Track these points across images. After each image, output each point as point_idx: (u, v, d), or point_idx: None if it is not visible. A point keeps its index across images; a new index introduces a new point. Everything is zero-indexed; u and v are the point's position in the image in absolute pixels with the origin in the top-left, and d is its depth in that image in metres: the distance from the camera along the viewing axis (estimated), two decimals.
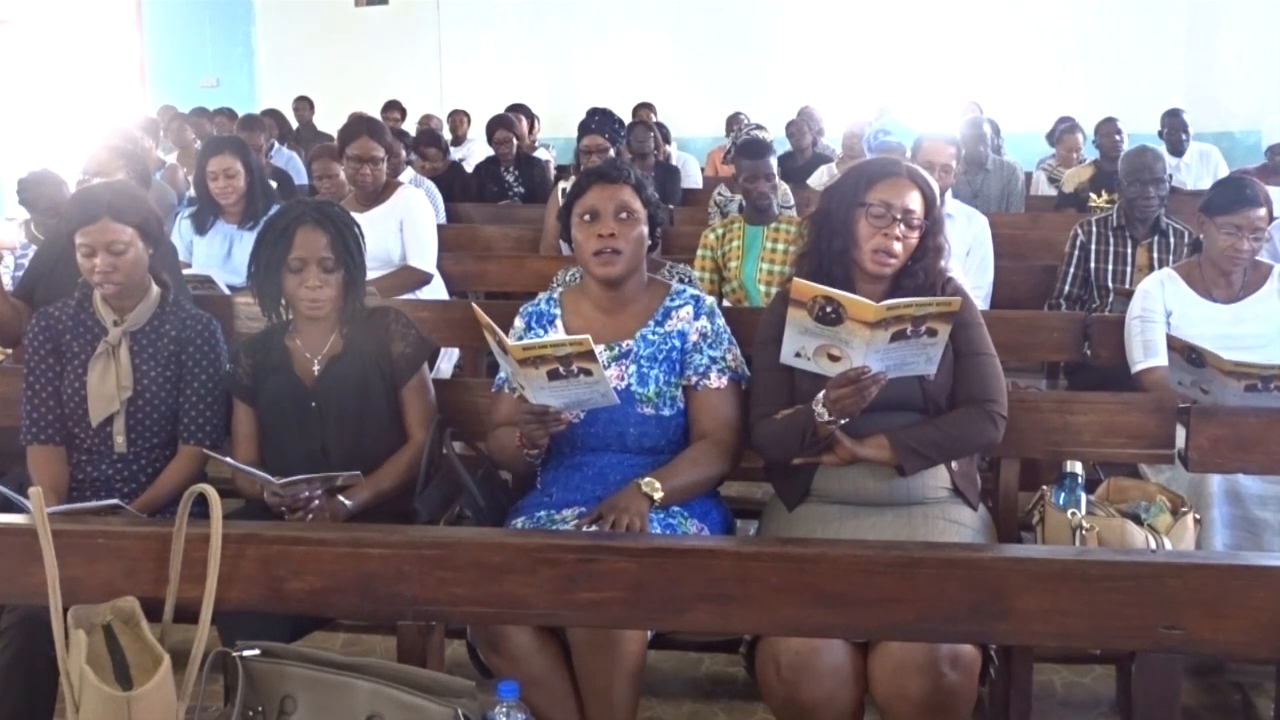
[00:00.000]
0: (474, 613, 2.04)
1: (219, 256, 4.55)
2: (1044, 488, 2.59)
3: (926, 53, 10.68)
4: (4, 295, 3.59)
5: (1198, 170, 7.36)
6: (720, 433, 2.59)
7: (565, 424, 2.45)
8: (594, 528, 2.31)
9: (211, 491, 1.95)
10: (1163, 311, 3.45)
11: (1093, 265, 4.30)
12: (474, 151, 8.90)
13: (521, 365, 2.33)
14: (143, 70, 12.48)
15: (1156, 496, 2.57)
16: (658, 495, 2.41)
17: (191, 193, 5.03)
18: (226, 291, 4.14)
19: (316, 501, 2.51)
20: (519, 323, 2.75)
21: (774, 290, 3.86)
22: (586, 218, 2.62)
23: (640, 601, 1.92)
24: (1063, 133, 7.79)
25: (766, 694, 2.26)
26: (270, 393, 2.76)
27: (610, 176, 2.65)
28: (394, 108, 9.83)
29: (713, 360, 2.62)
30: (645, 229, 2.64)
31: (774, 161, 4.64)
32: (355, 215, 2.93)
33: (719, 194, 5.93)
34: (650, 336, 2.64)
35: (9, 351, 3.79)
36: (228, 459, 2.67)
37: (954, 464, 2.52)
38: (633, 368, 2.60)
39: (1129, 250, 4.29)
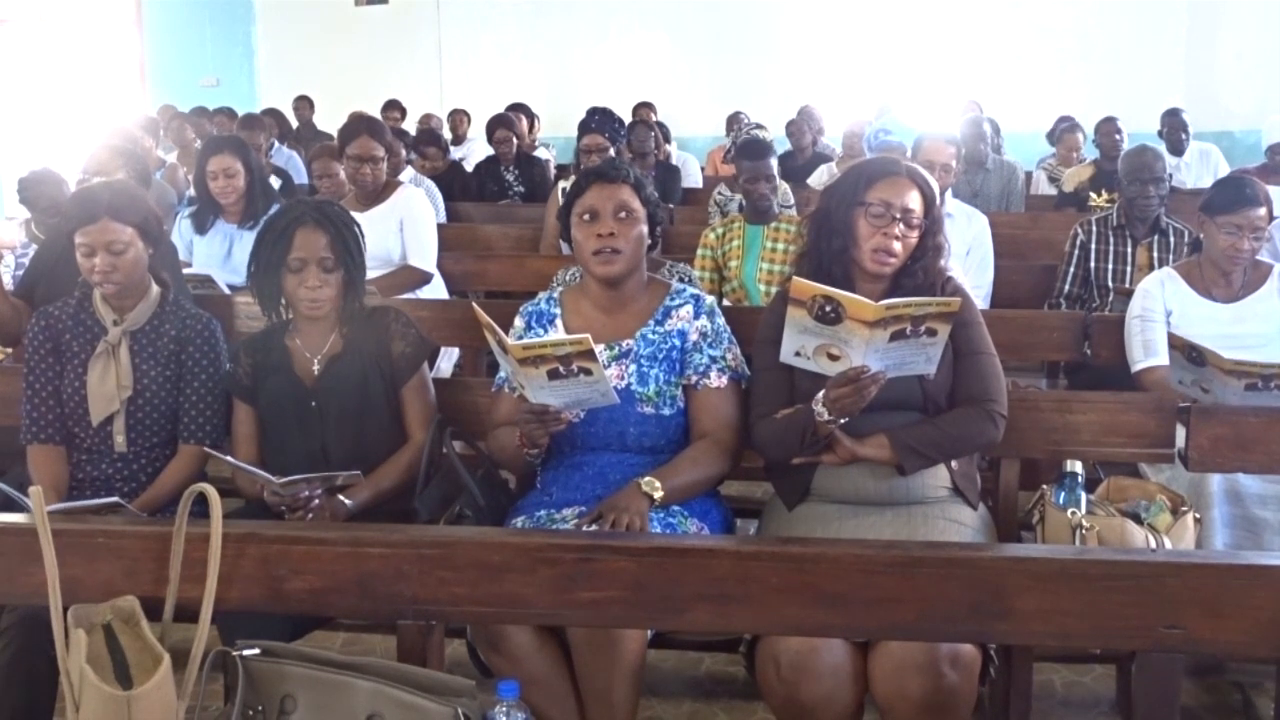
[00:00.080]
0: (474, 612, 2.04)
1: (219, 256, 4.55)
2: (1044, 487, 2.59)
3: (926, 53, 10.68)
4: (4, 295, 3.59)
5: (1198, 169, 7.36)
6: (720, 432, 2.59)
7: (565, 423, 2.45)
8: (594, 527, 2.31)
9: (211, 491, 1.95)
10: (1163, 311, 3.45)
11: (1093, 265, 4.30)
12: (474, 151, 8.90)
13: (521, 365, 2.33)
14: (143, 70, 12.48)
15: (1156, 496, 2.57)
16: (658, 495, 2.41)
17: (191, 192, 5.03)
18: (226, 291, 4.14)
19: (316, 501, 2.51)
20: (519, 322, 2.75)
21: (774, 290, 3.86)
22: (586, 217, 2.62)
23: (640, 601, 1.92)
24: (1063, 132, 7.79)
25: (766, 694, 2.26)
26: (270, 392, 2.76)
27: (609, 176, 2.65)
28: (394, 107, 9.83)
29: (713, 359, 2.62)
30: (645, 228, 2.64)
31: (774, 162, 4.64)
32: (355, 214, 2.93)
33: (719, 193, 5.93)
34: (650, 336, 2.64)
35: (9, 351, 3.79)
36: (228, 458, 2.67)
37: (954, 463, 2.52)
38: (633, 367, 2.60)
39: (1129, 250, 4.29)
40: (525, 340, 2.47)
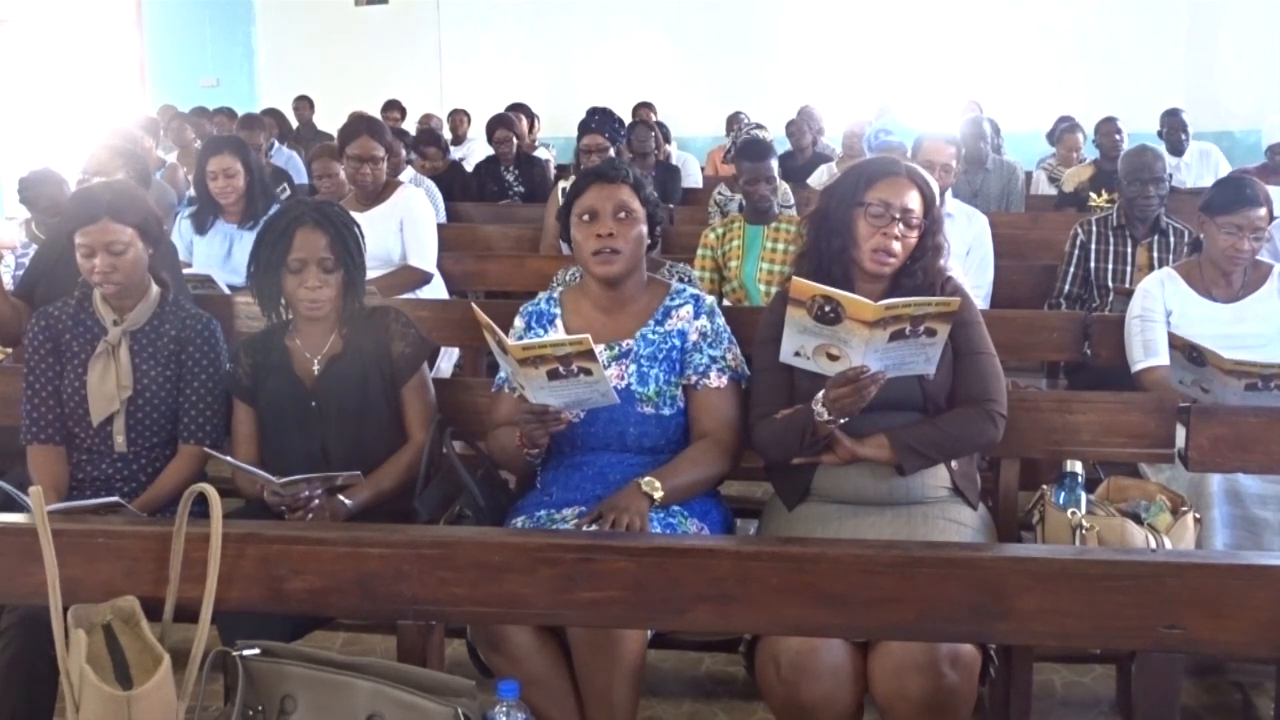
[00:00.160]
0: (474, 612, 2.04)
1: (219, 256, 4.55)
2: (1044, 487, 2.59)
3: (926, 53, 10.68)
4: (4, 295, 3.59)
5: (1198, 169, 7.36)
6: (720, 432, 2.59)
7: (565, 424, 2.45)
8: (594, 527, 2.31)
9: (211, 491, 1.94)
10: (1163, 311, 3.45)
11: (1093, 265, 4.30)
12: (474, 151, 8.90)
13: (521, 365, 2.33)
14: (143, 70, 12.48)
15: (1156, 496, 2.57)
16: (658, 495, 2.41)
17: (191, 192, 5.03)
18: (226, 291, 4.14)
19: (316, 501, 2.51)
20: (519, 322, 2.75)
21: (774, 290, 3.86)
22: (585, 218, 2.62)
23: (640, 601, 1.92)
24: (1063, 132, 7.80)
25: (766, 694, 2.26)
26: (270, 392, 2.76)
27: (608, 176, 2.65)
28: (394, 107, 9.83)
29: (713, 359, 2.62)
30: (644, 228, 2.64)
31: (774, 163, 4.63)
32: (355, 215, 2.93)
33: (719, 193, 5.93)
34: (650, 336, 2.64)
35: (9, 351, 3.79)
36: (228, 458, 2.67)
37: (954, 463, 2.52)
38: (633, 367, 2.60)
39: (1129, 250, 4.29)
40: (525, 340, 2.47)
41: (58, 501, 2.60)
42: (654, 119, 8.44)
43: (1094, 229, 4.34)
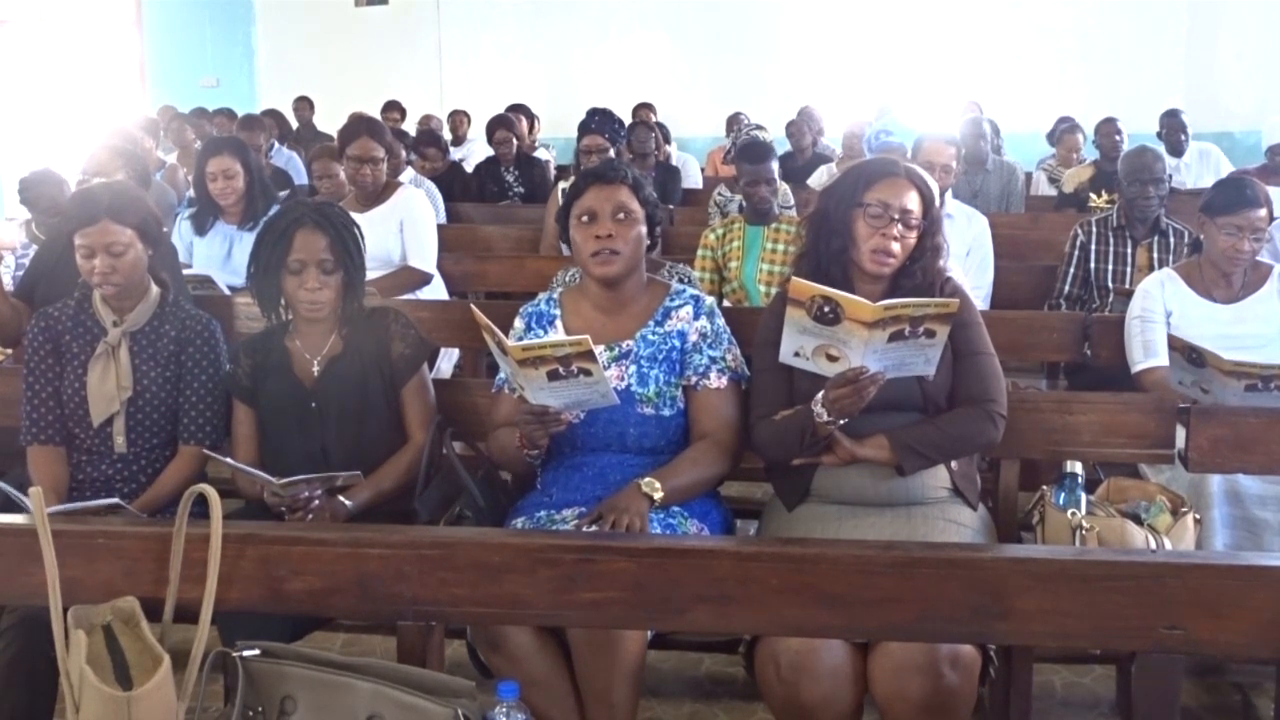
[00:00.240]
0: (474, 613, 2.04)
1: (219, 257, 4.55)
2: (1044, 488, 2.59)
3: (926, 53, 10.68)
4: (4, 295, 3.60)
5: (1198, 169, 7.35)
6: (720, 433, 2.59)
7: (565, 424, 2.45)
8: (594, 528, 2.31)
9: (211, 491, 1.95)
10: (1163, 311, 3.45)
11: (1093, 265, 4.30)
12: (474, 151, 8.90)
13: (521, 366, 2.33)
14: (143, 70, 12.48)
15: (1156, 496, 2.57)
16: (658, 495, 2.41)
17: (191, 193, 5.03)
18: (226, 292, 4.14)
19: (316, 502, 2.51)
20: (519, 323, 2.75)
21: (774, 290, 3.86)
22: (584, 219, 2.62)
23: (640, 601, 1.92)
24: (1063, 133, 7.80)
25: (766, 694, 2.26)
26: (270, 393, 2.76)
27: (607, 177, 2.65)
28: (394, 108, 9.83)
29: (712, 360, 2.62)
30: (643, 229, 2.64)
31: (775, 165, 4.63)
32: (355, 215, 2.93)
33: (719, 194, 5.93)
34: (650, 336, 2.64)
35: (9, 351, 3.79)
36: (228, 459, 2.67)
37: (954, 464, 2.52)
38: (632, 368, 2.61)
39: (1129, 250, 4.29)
40: (525, 341, 2.47)
41: (58, 502, 2.61)
42: (654, 119, 8.44)
43: (1094, 229, 4.34)
